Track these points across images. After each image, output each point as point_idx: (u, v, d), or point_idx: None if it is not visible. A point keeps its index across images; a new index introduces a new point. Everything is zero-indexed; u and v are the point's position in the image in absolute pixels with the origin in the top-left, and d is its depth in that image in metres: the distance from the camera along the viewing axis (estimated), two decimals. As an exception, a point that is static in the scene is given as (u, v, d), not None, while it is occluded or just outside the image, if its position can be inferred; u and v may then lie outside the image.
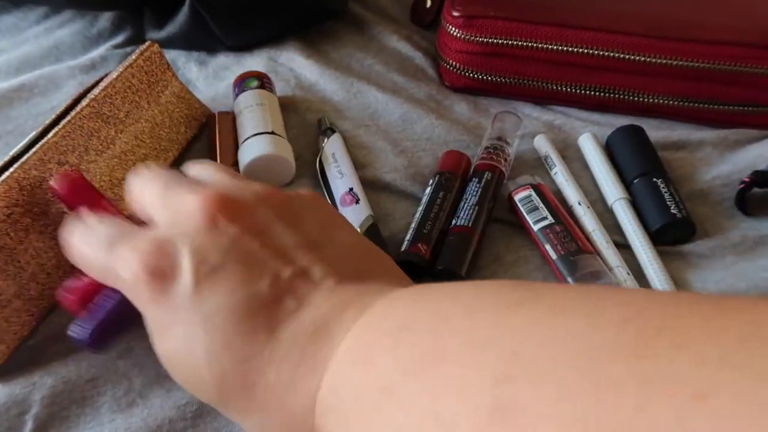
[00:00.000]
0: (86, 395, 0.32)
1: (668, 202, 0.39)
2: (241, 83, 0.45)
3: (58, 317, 0.34)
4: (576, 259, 0.35)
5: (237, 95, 0.44)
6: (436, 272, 0.36)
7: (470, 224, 0.37)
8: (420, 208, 0.39)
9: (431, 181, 0.40)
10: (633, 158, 0.42)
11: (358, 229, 0.37)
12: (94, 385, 0.32)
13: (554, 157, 0.43)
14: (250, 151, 0.40)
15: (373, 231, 0.37)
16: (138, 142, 0.40)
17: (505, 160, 0.42)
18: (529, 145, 0.45)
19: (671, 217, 0.38)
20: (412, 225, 0.38)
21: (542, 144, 0.44)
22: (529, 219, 0.38)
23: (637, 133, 0.44)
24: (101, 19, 0.55)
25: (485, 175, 0.40)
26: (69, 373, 0.32)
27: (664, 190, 0.40)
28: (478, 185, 0.39)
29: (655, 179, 0.40)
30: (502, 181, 0.41)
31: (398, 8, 0.57)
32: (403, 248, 0.37)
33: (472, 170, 0.41)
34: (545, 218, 0.37)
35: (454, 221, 0.38)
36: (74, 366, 0.32)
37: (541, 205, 0.38)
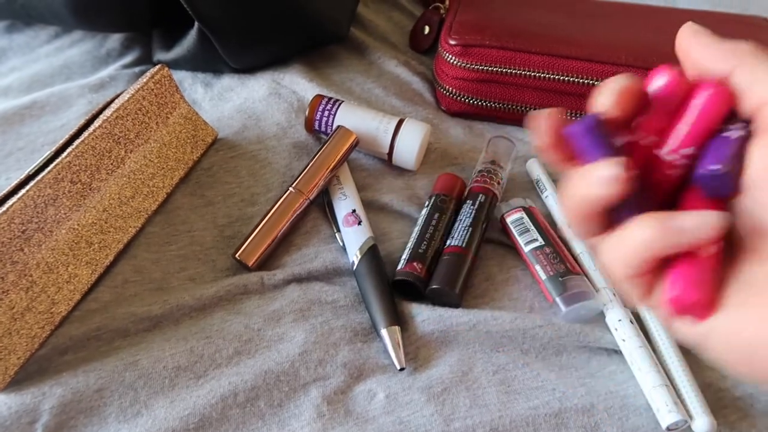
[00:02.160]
0: (93, 405, 0.33)
1: None
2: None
3: (68, 329, 0.36)
4: (564, 279, 0.37)
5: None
6: (431, 291, 0.38)
7: (464, 245, 0.39)
8: (416, 229, 0.41)
9: (427, 203, 0.42)
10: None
11: (359, 251, 0.39)
12: (101, 396, 0.33)
13: (545, 181, 0.45)
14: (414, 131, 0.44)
15: (373, 252, 0.39)
16: (146, 161, 0.42)
17: (498, 183, 0.43)
18: (521, 168, 0.47)
19: None
20: (408, 245, 0.40)
21: (534, 168, 0.46)
22: (520, 240, 0.40)
23: None
24: (110, 40, 0.57)
25: (479, 198, 0.42)
26: (78, 384, 0.33)
27: None
28: (472, 207, 0.41)
29: None
30: (495, 204, 0.42)
31: (398, 34, 0.60)
32: (399, 267, 0.39)
33: (466, 192, 0.43)
34: (535, 240, 0.39)
35: (448, 241, 0.40)
36: (83, 377, 0.34)
37: (532, 227, 0.40)
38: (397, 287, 0.38)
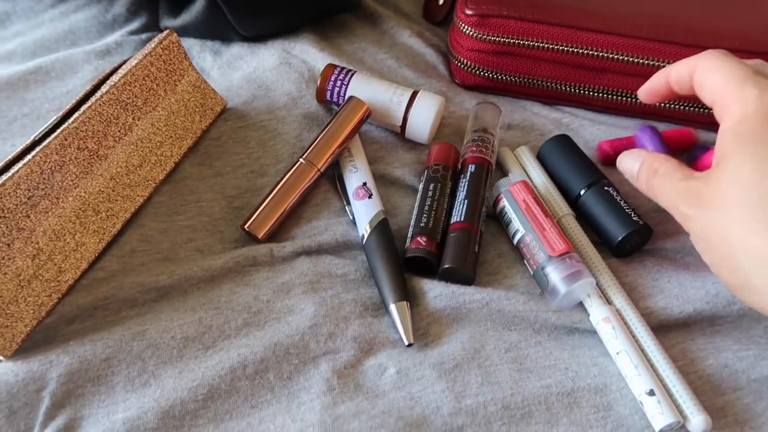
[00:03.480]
0: (101, 374, 0.33)
1: (627, 210, 0.38)
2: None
3: (75, 298, 0.35)
4: (546, 271, 0.35)
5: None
6: (443, 271, 0.37)
7: (467, 219, 0.38)
8: (416, 204, 0.40)
9: (422, 177, 0.41)
10: (577, 168, 0.41)
11: (368, 225, 0.38)
12: (109, 365, 0.33)
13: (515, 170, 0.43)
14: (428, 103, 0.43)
15: (383, 226, 0.38)
16: (154, 129, 0.41)
17: (492, 151, 0.42)
18: (512, 138, 0.46)
19: (634, 225, 0.37)
20: (411, 222, 0.39)
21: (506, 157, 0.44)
22: (509, 233, 0.39)
23: (568, 141, 0.43)
24: (116, 5, 0.56)
25: (475, 169, 0.40)
26: (85, 353, 0.33)
27: (618, 198, 0.39)
28: (469, 180, 0.40)
29: (606, 188, 0.40)
30: (491, 171, 0.41)
31: (411, 4, 0.58)
32: (406, 245, 0.38)
33: (460, 163, 0.42)
34: (518, 230, 0.38)
35: (452, 218, 0.39)
36: (90, 346, 0.33)
37: (513, 215, 0.38)
38: (408, 264, 0.38)
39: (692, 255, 0.39)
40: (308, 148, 0.41)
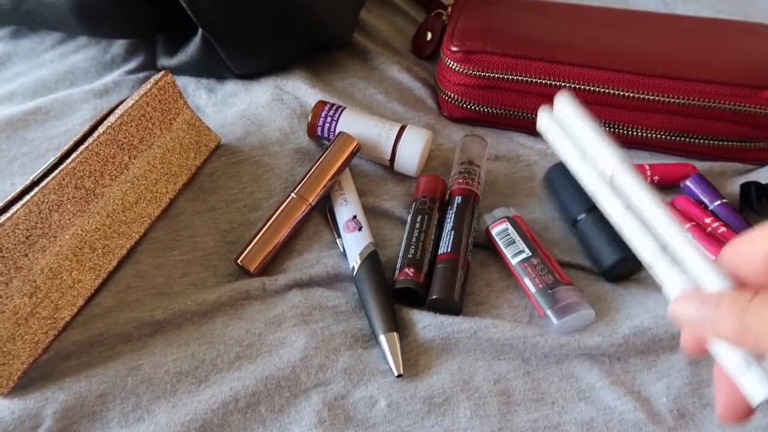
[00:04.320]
0: (96, 410, 0.33)
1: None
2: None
3: (71, 334, 0.36)
4: (554, 291, 0.37)
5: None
6: (431, 302, 0.38)
7: (454, 250, 0.39)
8: (404, 236, 0.41)
9: (410, 209, 0.42)
10: (577, 193, 0.42)
11: (358, 257, 0.39)
12: (104, 401, 0.34)
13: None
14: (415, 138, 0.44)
15: (372, 258, 0.39)
16: (150, 167, 0.42)
17: (479, 183, 0.43)
18: (499, 168, 0.47)
19: (626, 251, 0.38)
20: (399, 253, 0.40)
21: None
22: (507, 253, 0.40)
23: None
24: (115, 46, 0.58)
25: (462, 200, 0.42)
26: (81, 389, 0.34)
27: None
28: (455, 211, 0.41)
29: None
30: (477, 202, 0.42)
31: (400, 40, 0.60)
32: (395, 276, 0.39)
33: (447, 195, 0.43)
34: (522, 251, 0.39)
35: (440, 249, 0.40)
36: (86, 382, 0.34)
37: (518, 238, 0.39)
38: (397, 295, 0.39)
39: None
40: (299, 183, 0.42)
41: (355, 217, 0.41)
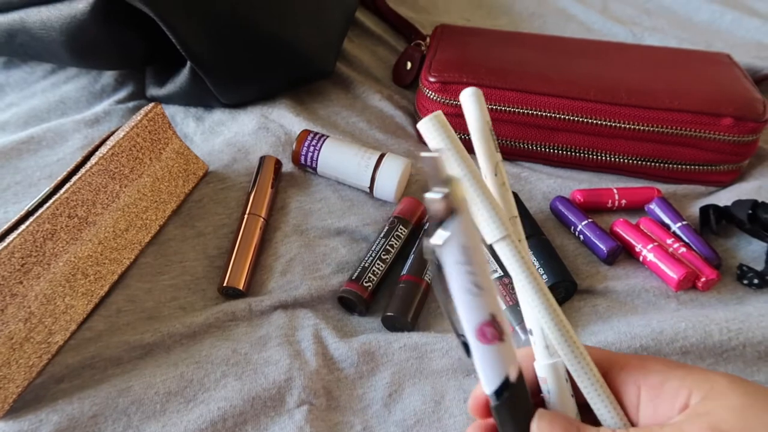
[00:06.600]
0: (88, 431, 0.35)
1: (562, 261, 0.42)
2: None
3: (64, 357, 0.37)
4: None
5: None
6: (384, 318, 0.40)
7: (413, 272, 0.41)
8: (367, 249, 0.43)
9: (384, 226, 0.45)
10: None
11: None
12: (96, 422, 0.35)
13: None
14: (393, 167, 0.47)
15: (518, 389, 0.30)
16: (140, 195, 0.44)
17: None
18: None
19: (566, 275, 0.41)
20: (359, 265, 0.42)
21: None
22: None
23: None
24: (105, 76, 0.60)
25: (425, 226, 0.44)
26: (73, 411, 0.35)
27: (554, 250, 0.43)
28: (422, 234, 0.43)
29: (543, 236, 0.44)
30: None
31: (381, 69, 0.63)
32: (344, 284, 0.42)
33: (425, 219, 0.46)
34: (495, 271, 0.41)
35: (403, 270, 0.42)
36: (78, 404, 0.35)
37: (491, 258, 0.42)
38: (340, 301, 0.42)
39: (640, 298, 0.42)
40: (248, 204, 0.46)
41: (494, 317, 0.22)
